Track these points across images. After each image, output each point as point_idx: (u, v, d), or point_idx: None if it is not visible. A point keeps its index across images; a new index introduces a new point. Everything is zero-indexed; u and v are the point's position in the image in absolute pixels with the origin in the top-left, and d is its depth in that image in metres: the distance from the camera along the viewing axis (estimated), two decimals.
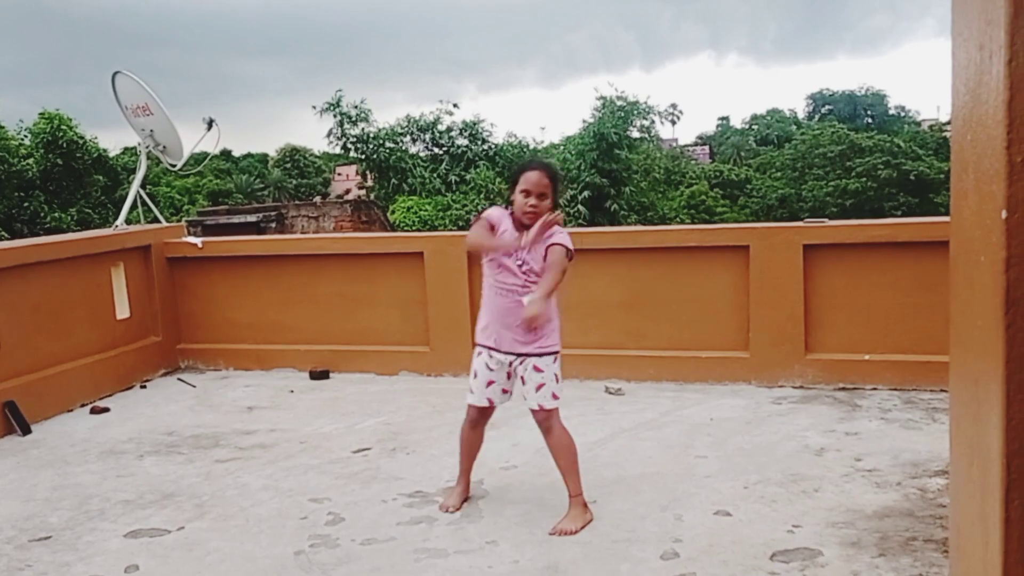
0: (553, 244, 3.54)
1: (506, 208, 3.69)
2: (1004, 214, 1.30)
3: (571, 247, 3.60)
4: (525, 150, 30.25)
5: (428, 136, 29.45)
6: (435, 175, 27.49)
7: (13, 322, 5.50)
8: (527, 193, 3.51)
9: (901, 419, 4.82)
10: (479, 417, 3.82)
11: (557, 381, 3.66)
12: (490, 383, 3.71)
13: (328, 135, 28.61)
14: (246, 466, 4.54)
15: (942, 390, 5.22)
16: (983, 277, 1.41)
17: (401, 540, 3.56)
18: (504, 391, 3.75)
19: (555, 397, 3.65)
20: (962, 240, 1.62)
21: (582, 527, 3.59)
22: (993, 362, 1.32)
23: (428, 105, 31.13)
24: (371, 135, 28.29)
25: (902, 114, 68.36)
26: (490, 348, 3.69)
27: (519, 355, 3.64)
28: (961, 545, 1.71)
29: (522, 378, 3.67)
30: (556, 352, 3.68)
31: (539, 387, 3.63)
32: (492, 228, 3.62)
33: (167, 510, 3.98)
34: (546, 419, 3.67)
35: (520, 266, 3.57)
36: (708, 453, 4.42)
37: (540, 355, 3.63)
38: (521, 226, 3.57)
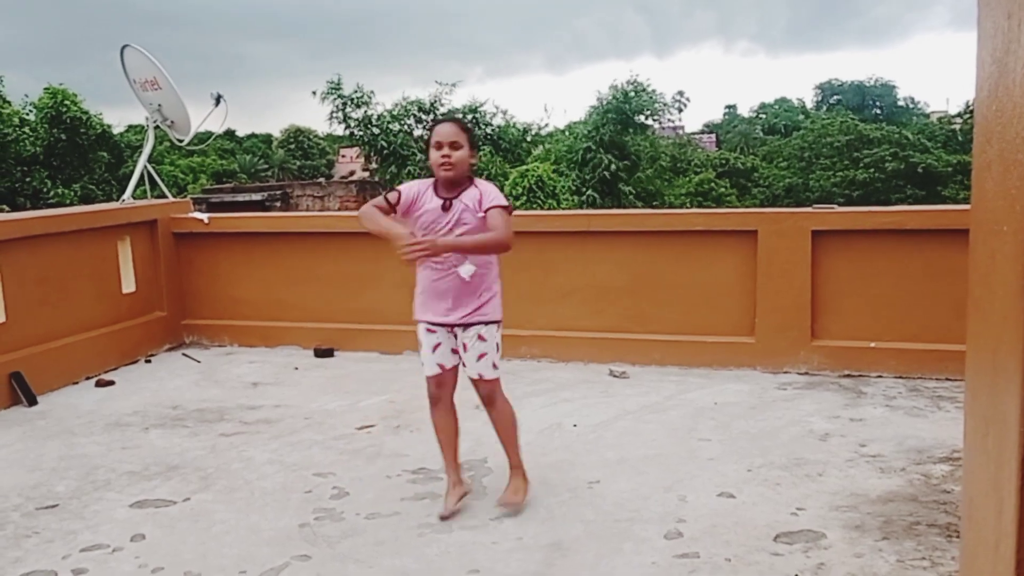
0: (493, 207, 3.41)
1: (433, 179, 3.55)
2: None
3: (507, 203, 3.46)
4: (527, 133, 30.11)
5: (430, 119, 29.32)
6: None
7: (20, 294, 5.50)
8: (439, 145, 3.42)
9: (906, 406, 4.82)
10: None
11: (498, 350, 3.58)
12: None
13: (329, 117, 28.52)
14: (251, 440, 4.56)
15: (947, 378, 5.22)
16: (1005, 247, 1.40)
17: (405, 515, 3.57)
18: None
19: (495, 367, 3.58)
20: (984, 211, 1.61)
21: (524, 497, 3.61)
22: (1013, 331, 1.32)
23: (433, 88, 30.72)
24: (373, 118, 28.16)
25: (911, 106, 67.87)
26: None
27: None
28: (973, 516, 1.71)
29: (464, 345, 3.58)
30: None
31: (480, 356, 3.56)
32: (395, 204, 3.47)
33: (172, 482, 4.00)
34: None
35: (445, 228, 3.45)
36: (712, 436, 4.43)
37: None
38: (443, 188, 3.47)
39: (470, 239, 3.40)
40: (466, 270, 3.45)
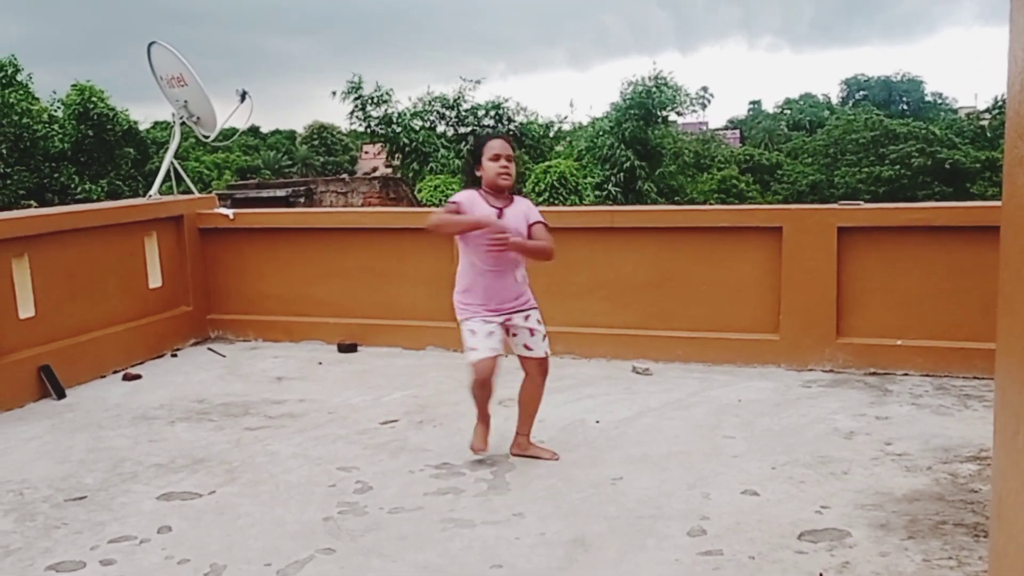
0: (537, 223, 3.94)
1: (475, 188, 3.93)
2: None
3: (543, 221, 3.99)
4: (549, 129, 30.05)
5: (453, 115, 29.32)
6: (458, 156, 27.37)
7: (48, 288, 5.58)
8: (497, 157, 3.84)
9: (932, 405, 4.77)
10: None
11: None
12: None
13: (350, 116, 28.60)
14: (275, 434, 4.59)
15: (975, 377, 5.16)
16: None
17: (428, 510, 3.59)
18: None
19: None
20: (1017, 207, 1.59)
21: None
22: None
23: (456, 84, 30.68)
24: (394, 116, 28.20)
25: (938, 101, 66.95)
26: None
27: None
28: (1003, 514, 1.69)
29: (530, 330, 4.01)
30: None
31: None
32: (457, 213, 3.85)
33: (198, 475, 4.04)
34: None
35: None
36: (736, 434, 4.41)
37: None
38: (492, 197, 3.88)
39: (533, 243, 3.88)
40: (520, 274, 3.98)
